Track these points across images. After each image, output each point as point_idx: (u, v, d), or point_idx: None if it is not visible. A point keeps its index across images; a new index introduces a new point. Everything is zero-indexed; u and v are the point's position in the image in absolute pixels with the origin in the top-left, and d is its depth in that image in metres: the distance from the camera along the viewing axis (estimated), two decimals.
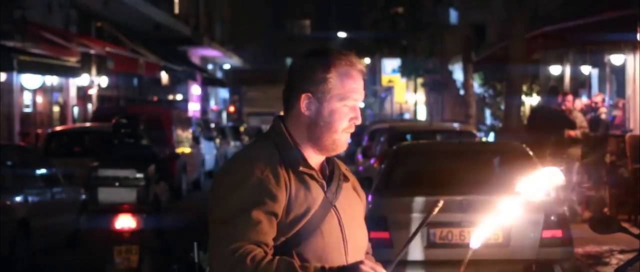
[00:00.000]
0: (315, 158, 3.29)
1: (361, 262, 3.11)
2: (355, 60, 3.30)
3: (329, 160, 3.34)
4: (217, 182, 3.25)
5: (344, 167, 3.41)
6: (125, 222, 10.32)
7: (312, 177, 3.24)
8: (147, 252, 10.38)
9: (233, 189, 3.14)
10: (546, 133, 14.89)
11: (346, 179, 3.36)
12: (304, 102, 3.24)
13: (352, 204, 3.34)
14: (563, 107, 15.60)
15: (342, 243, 3.23)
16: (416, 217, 8.78)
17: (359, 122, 3.29)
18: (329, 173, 3.32)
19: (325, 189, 3.26)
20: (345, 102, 3.25)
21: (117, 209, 10.35)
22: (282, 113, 3.35)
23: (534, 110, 18.76)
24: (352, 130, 3.29)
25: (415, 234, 3.48)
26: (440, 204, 3.39)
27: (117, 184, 10.57)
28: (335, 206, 3.25)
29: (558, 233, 8.80)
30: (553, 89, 16.24)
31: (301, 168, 3.21)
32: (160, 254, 10.93)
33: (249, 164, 3.18)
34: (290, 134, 3.27)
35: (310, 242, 3.16)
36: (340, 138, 3.26)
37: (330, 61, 3.25)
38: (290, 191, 3.18)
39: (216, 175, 3.35)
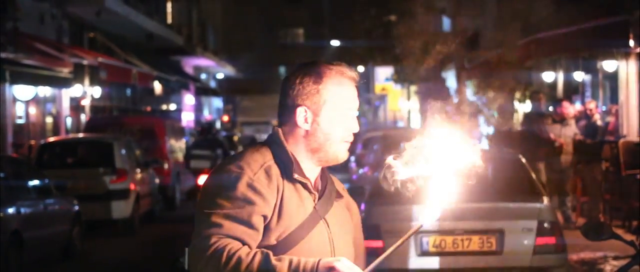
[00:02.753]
0: (311, 170, 3.30)
1: (338, 259, 3.06)
2: (345, 70, 3.31)
3: (323, 175, 3.34)
4: (210, 179, 3.25)
5: (341, 187, 3.42)
6: (203, 179, 17.91)
7: (305, 186, 3.24)
8: None
9: (223, 185, 3.14)
10: (536, 142, 14.89)
11: (340, 196, 3.36)
12: (301, 116, 3.26)
13: (343, 222, 3.35)
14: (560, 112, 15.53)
15: (330, 257, 3.20)
16: (410, 226, 8.75)
17: (356, 129, 3.30)
18: (322, 188, 3.32)
19: (316, 202, 3.25)
20: (340, 111, 3.26)
21: (201, 171, 19.32)
22: (275, 122, 3.35)
23: (525, 117, 18.75)
24: (351, 138, 3.30)
25: (385, 256, 3.45)
26: (419, 226, 3.38)
27: (199, 157, 18.96)
28: (325, 220, 3.25)
29: (551, 240, 8.78)
30: (534, 94, 16.25)
31: (295, 176, 3.22)
32: None
33: (243, 163, 3.18)
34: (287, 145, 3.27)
35: (297, 251, 3.15)
36: (340, 147, 3.28)
37: (321, 73, 3.27)
38: (283, 195, 3.18)
39: (210, 173, 3.35)
